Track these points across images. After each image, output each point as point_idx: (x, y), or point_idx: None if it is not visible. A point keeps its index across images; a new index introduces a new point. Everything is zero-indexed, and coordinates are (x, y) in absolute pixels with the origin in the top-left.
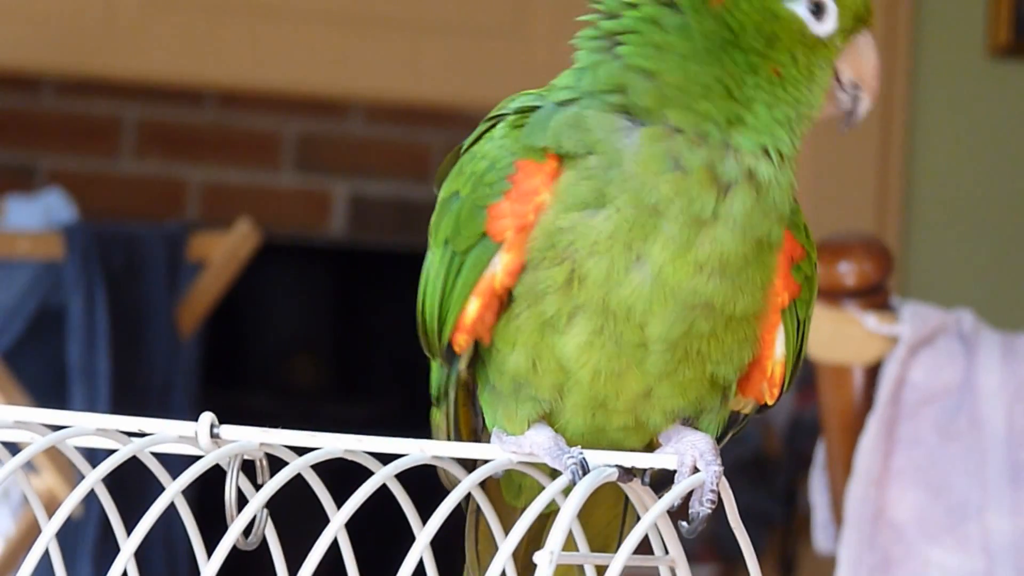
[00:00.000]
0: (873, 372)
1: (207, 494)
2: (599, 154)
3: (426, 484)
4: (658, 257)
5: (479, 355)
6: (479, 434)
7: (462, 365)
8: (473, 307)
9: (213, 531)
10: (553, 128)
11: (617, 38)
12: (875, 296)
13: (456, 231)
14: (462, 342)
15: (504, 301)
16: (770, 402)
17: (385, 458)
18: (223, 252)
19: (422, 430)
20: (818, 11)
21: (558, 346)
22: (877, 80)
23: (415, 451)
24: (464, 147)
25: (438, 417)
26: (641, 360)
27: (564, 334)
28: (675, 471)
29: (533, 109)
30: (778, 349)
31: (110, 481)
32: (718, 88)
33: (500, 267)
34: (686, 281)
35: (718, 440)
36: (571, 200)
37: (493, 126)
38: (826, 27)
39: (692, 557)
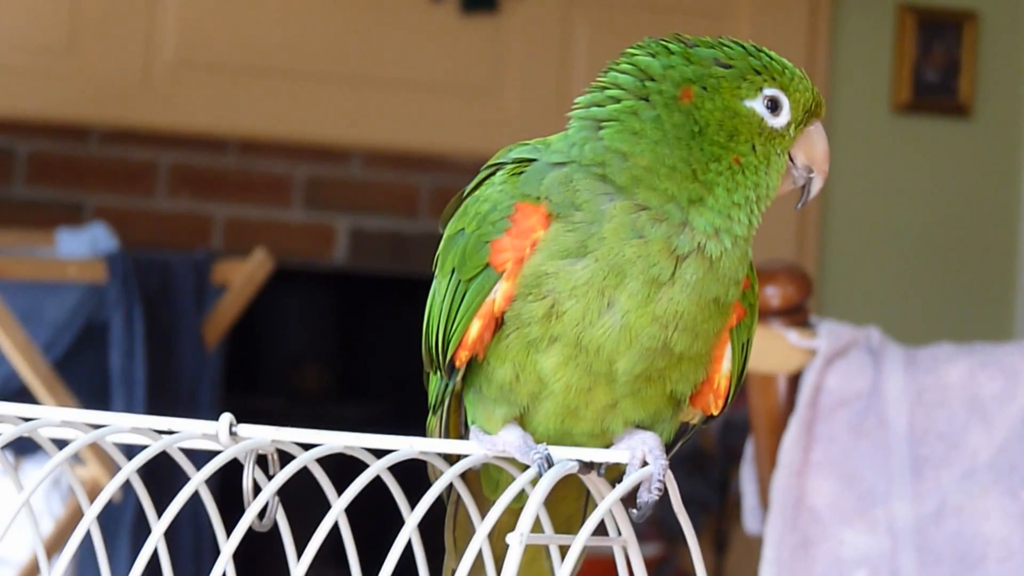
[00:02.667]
0: (795, 380)
1: (227, 483)
2: (584, 211)
3: (414, 476)
4: (625, 305)
5: (470, 367)
6: (464, 435)
7: (459, 377)
8: (475, 328)
9: (232, 515)
10: (547, 183)
11: (601, 123)
12: (797, 315)
13: (462, 262)
14: (463, 357)
15: (498, 323)
16: (715, 413)
17: (379, 453)
18: (242, 277)
19: (412, 429)
20: (774, 107)
21: (539, 362)
22: (827, 163)
23: (405, 447)
24: (466, 192)
25: (433, 423)
26: (608, 382)
27: (544, 353)
28: (627, 464)
29: (529, 161)
30: (725, 365)
31: (144, 472)
32: (684, 170)
33: (499, 293)
34: (647, 329)
35: (669, 448)
36: (557, 248)
37: (493, 173)
38: (781, 120)
39: (640, 537)
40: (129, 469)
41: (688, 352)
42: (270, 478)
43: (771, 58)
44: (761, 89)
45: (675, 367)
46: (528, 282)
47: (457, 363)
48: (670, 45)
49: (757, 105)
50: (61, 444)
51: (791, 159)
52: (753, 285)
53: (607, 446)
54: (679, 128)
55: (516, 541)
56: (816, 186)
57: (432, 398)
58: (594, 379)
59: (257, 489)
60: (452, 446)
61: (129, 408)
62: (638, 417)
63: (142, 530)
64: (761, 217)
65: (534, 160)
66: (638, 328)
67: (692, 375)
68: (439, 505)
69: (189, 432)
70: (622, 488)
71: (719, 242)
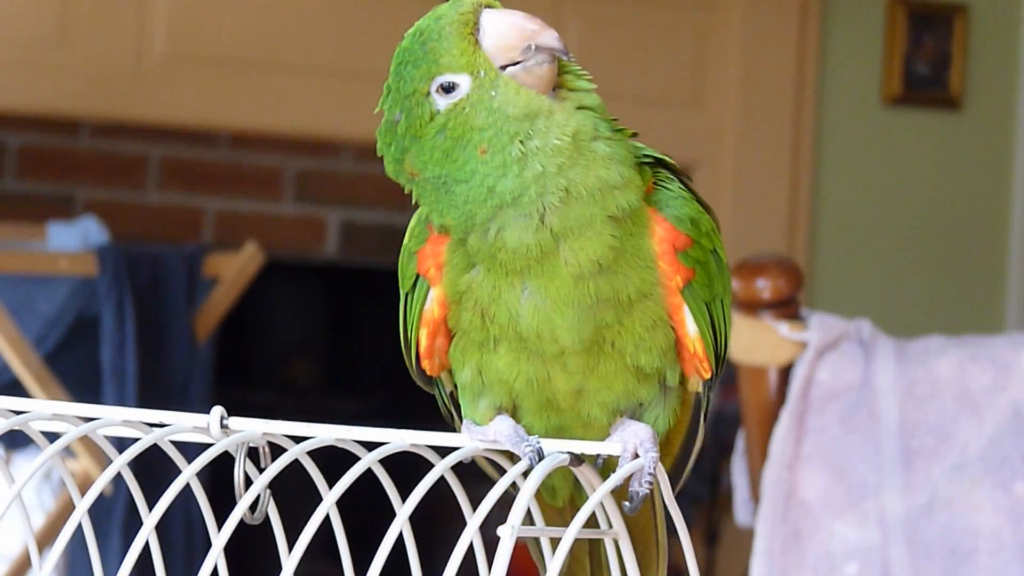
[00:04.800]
0: (786, 372)
1: (218, 476)
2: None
3: (406, 468)
4: (537, 283)
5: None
6: None
7: (447, 387)
8: (424, 336)
9: (223, 508)
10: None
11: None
12: (787, 308)
13: (401, 275)
14: (426, 367)
15: (450, 329)
16: (705, 376)
17: (370, 445)
18: (233, 270)
19: (403, 422)
20: (449, 88)
21: (494, 362)
22: (527, 23)
23: (396, 439)
24: None
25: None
26: (564, 365)
27: (495, 353)
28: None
29: None
30: (690, 328)
31: (135, 465)
32: (469, 205)
33: (434, 301)
34: (569, 291)
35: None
36: (456, 264)
37: None
38: (463, 85)
39: None
40: (120, 462)
41: (627, 292)
42: (261, 471)
43: (409, 60)
44: (428, 94)
45: (627, 329)
46: (452, 294)
47: (428, 372)
48: (380, 125)
49: (438, 101)
50: (52, 437)
51: (506, 70)
52: (700, 242)
53: (604, 437)
54: (437, 191)
55: (507, 533)
56: (547, 41)
57: (441, 408)
58: (549, 366)
59: (248, 482)
60: (443, 438)
61: (120, 401)
62: (609, 399)
63: (133, 523)
64: (568, 135)
65: None
66: (562, 294)
67: (649, 340)
68: (430, 498)
69: (180, 425)
70: (612, 481)
71: (561, 206)
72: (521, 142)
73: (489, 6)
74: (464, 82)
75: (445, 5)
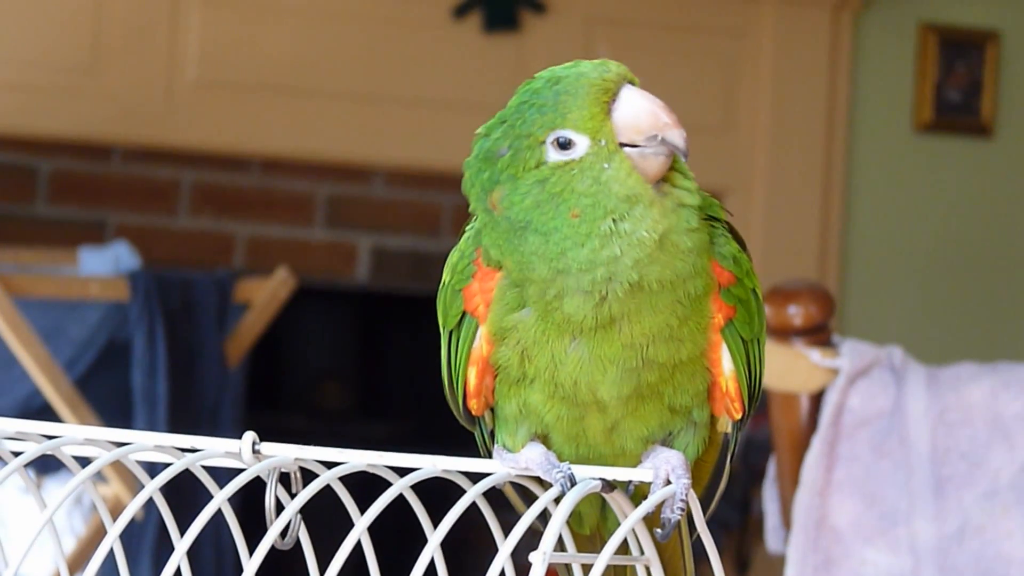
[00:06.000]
0: (817, 399)
1: (249, 502)
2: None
3: (437, 494)
4: (589, 339)
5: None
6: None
7: (489, 426)
8: (472, 375)
9: (254, 533)
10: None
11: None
12: (819, 334)
13: (444, 313)
14: (473, 406)
15: (495, 366)
16: (736, 416)
17: (402, 471)
18: (264, 295)
19: (433, 447)
20: (566, 145)
21: (529, 398)
22: (659, 118)
23: (428, 465)
24: None
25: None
26: (599, 409)
27: (530, 390)
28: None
29: None
30: (726, 366)
31: (166, 490)
32: (538, 260)
33: (482, 339)
34: (619, 352)
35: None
36: (507, 303)
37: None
38: (581, 146)
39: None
40: (152, 487)
41: (678, 358)
42: (293, 496)
43: (535, 103)
44: (543, 143)
45: (668, 381)
46: (496, 331)
47: (473, 412)
48: (474, 147)
49: (550, 155)
50: (83, 462)
51: (624, 148)
52: (743, 280)
53: (636, 463)
54: (511, 232)
55: (539, 560)
56: (674, 139)
57: (480, 448)
58: (583, 409)
59: (280, 507)
60: (475, 464)
61: (151, 426)
62: (643, 433)
63: (164, 548)
64: (657, 213)
65: None
66: (610, 355)
67: (688, 385)
68: (461, 524)
69: (212, 450)
70: (644, 507)
71: (620, 287)
72: (615, 220)
73: (631, 82)
74: (583, 144)
75: (589, 63)
